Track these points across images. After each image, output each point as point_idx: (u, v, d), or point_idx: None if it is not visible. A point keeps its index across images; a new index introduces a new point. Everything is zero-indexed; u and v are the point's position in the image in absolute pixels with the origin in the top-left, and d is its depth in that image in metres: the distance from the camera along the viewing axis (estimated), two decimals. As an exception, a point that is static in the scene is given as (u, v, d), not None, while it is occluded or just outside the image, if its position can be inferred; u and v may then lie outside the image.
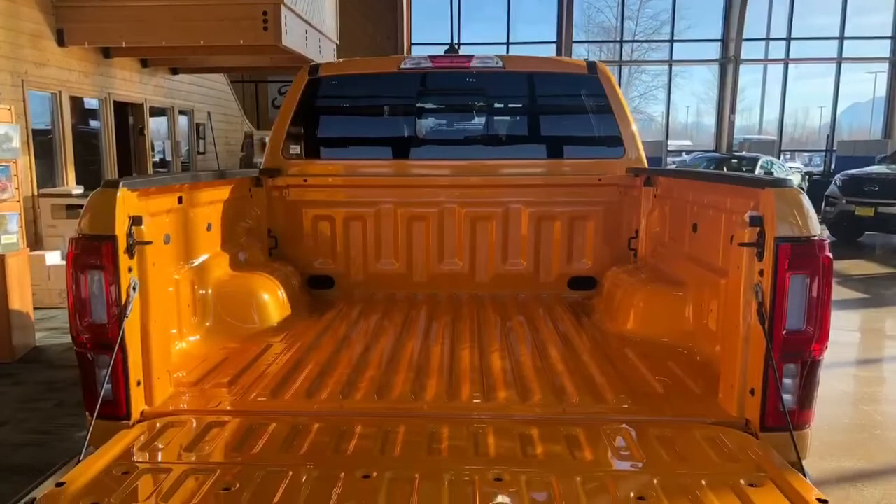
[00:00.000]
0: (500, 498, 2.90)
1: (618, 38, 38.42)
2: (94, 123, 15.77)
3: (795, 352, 3.51)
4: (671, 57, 37.81)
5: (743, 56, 35.69)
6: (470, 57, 6.66)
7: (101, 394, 3.51)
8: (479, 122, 7.06)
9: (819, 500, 2.83)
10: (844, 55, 35.95)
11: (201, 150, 21.51)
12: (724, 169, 24.77)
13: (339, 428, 3.60)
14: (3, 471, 5.61)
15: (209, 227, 5.32)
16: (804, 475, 3.12)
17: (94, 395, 3.56)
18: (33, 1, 12.85)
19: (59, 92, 13.79)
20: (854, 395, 7.60)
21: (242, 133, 24.68)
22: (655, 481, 3.04)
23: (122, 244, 3.57)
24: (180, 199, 4.76)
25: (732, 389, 3.70)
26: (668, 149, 33.49)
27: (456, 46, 7.84)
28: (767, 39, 37.11)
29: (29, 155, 12.48)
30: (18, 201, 8.54)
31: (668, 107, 38.15)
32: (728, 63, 35.59)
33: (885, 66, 36.05)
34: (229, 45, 14.12)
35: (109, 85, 15.70)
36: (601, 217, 6.51)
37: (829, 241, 3.52)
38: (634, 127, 6.62)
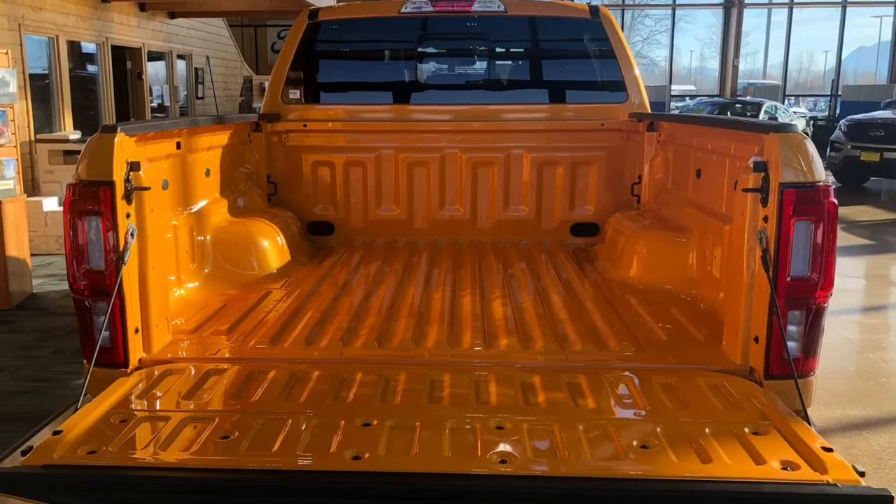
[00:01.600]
0: (501, 447, 2.87)
1: (621, -18, 38.00)
2: (91, 68, 15.63)
3: (800, 299, 3.47)
4: (674, 1, 37.38)
5: (747, 0, 35.27)
6: (471, 1, 6.55)
7: (98, 341, 3.48)
8: (480, 66, 6.99)
9: (824, 448, 2.80)
10: (850, -1, 35.55)
11: (200, 94, 21.37)
12: (728, 114, 24.59)
13: (339, 376, 3.57)
14: (0, 419, 5.61)
15: (208, 173, 5.27)
16: (809, 423, 3.09)
17: (92, 342, 3.53)
18: (28, -58, 12.66)
19: (57, 36, 13.63)
20: (859, 342, 7.58)
21: (241, 78, 24.48)
22: (658, 429, 3.01)
23: (119, 190, 3.52)
24: (179, 145, 4.71)
25: (736, 337, 3.67)
26: (672, 94, 33.22)
27: (457, -11, 7.71)
28: (772, -17, 36.69)
29: (26, 100, 12.37)
30: (15, 147, 8.45)
31: (672, 51, 37.86)
32: (732, 7, 35.17)
33: (891, 9, 35.68)
34: (228, -11, 13.94)
35: (107, 29, 15.51)
36: (604, 163, 6.44)
37: (833, 186, 3.47)
38: (637, 72, 6.54)
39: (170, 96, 19.34)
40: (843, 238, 12.54)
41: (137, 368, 3.66)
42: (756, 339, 3.55)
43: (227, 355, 3.88)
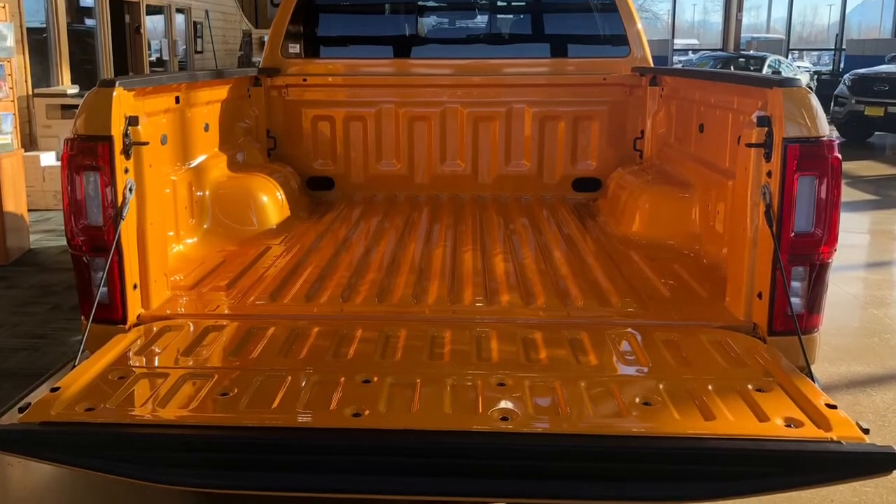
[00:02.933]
0: (503, 404, 2.86)
1: (624, -66, 37.51)
2: (89, 22, 15.51)
3: (804, 254, 3.43)
4: (679, -47, 36.97)
5: (753, -48, 34.85)
6: None
7: (96, 297, 3.45)
8: (482, 20, 6.92)
9: (827, 405, 2.78)
10: (856, -50, 35.12)
11: (199, 49, 21.21)
12: (732, 68, 24.40)
13: (339, 332, 3.55)
14: (-3, 376, 5.62)
15: (207, 128, 5.22)
16: (812, 380, 3.08)
17: (90, 298, 3.50)
18: None
19: (54, -11, 13.49)
20: (863, 298, 7.55)
21: (241, 32, 24.28)
22: (661, 386, 3.00)
23: (118, 145, 3.48)
24: (177, 99, 4.65)
25: (740, 293, 3.64)
26: (675, 48, 32.99)
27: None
28: (778, -66, 36.20)
29: (23, 54, 12.24)
30: (13, 101, 8.38)
31: (675, 5, 37.51)
32: (737, -41, 34.77)
33: (898, -38, 35.25)
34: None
35: (104, -18, 15.36)
36: (606, 117, 6.38)
37: (837, 141, 3.42)
38: (640, 25, 6.46)
39: (168, 51, 19.21)
40: (847, 193, 12.45)
41: (136, 325, 3.64)
42: (759, 295, 3.52)
43: (227, 311, 3.86)
